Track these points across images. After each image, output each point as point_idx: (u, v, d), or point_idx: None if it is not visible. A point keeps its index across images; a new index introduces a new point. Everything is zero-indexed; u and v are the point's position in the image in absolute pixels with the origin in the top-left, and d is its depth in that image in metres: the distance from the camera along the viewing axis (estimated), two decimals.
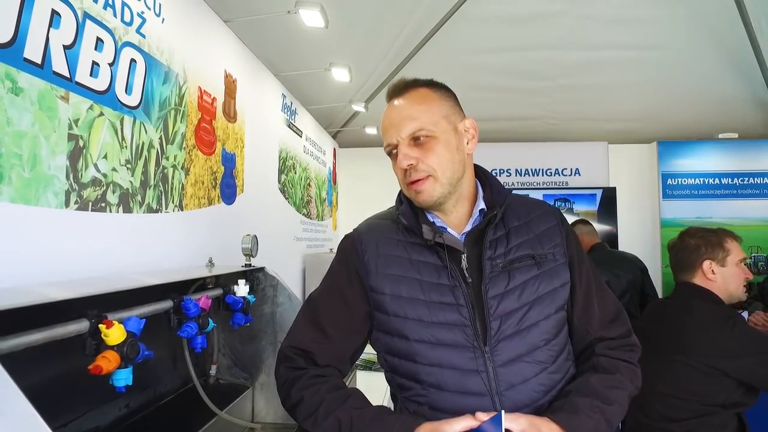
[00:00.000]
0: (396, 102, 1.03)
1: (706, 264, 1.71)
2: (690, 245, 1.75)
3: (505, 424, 0.79)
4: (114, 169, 1.63)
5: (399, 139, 1.00)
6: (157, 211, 1.89)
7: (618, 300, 1.11)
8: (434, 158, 0.99)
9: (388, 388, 1.09)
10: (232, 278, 1.58)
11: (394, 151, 1.02)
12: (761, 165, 5.27)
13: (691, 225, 5.33)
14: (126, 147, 1.70)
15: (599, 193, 5.38)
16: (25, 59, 1.26)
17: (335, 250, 1.14)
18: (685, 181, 5.35)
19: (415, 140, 0.99)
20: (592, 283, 1.06)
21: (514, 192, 1.12)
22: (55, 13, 1.36)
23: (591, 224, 3.57)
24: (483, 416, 0.84)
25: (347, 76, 3.44)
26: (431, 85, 1.05)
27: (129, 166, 1.72)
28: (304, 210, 4.15)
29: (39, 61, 1.30)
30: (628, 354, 1.03)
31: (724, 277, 1.70)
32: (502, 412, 0.81)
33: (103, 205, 1.58)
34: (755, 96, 4.37)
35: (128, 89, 1.71)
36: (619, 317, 1.07)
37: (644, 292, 3.32)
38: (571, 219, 4.37)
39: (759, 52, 3.72)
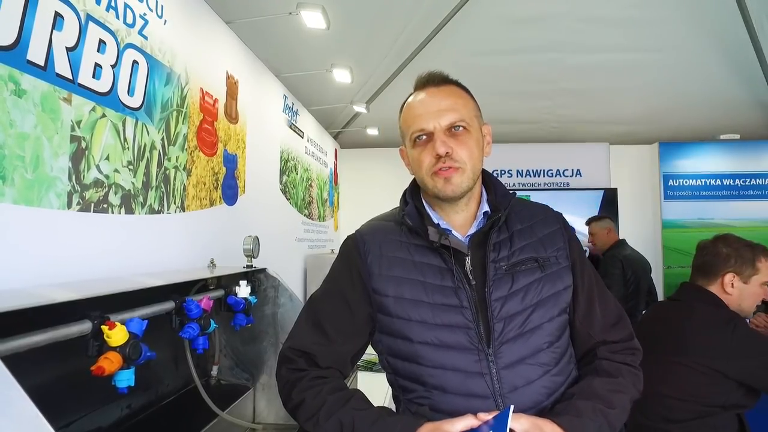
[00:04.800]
0: (433, 91, 1.04)
1: (728, 277, 1.67)
2: (721, 253, 1.70)
3: (509, 424, 0.79)
4: (116, 171, 1.64)
5: (437, 126, 1.00)
6: (159, 212, 1.90)
7: (619, 304, 1.10)
8: (466, 151, 1.00)
9: (390, 389, 1.09)
10: (233, 279, 1.58)
11: (424, 137, 1.02)
12: (762, 166, 5.27)
13: (692, 226, 5.37)
14: (128, 148, 1.71)
15: (600, 194, 5.38)
16: (28, 61, 1.26)
17: (336, 251, 1.14)
18: (686, 182, 5.35)
19: (451, 131, 1.00)
20: (594, 286, 1.07)
21: (517, 194, 1.12)
22: (58, 16, 1.37)
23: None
24: (484, 416, 0.84)
25: (348, 77, 3.45)
26: (462, 86, 1.08)
27: (131, 167, 1.72)
28: (306, 211, 4.16)
29: (42, 63, 1.31)
30: (630, 358, 1.02)
31: (741, 294, 1.67)
32: (511, 407, 0.80)
33: (105, 206, 1.58)
34: (756, 97, 4.37)
35: (130, 91, 1.71)
36: (621, 321, 1.07)
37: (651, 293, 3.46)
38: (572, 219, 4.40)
39: (760, 52, 3.72)
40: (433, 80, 1.05)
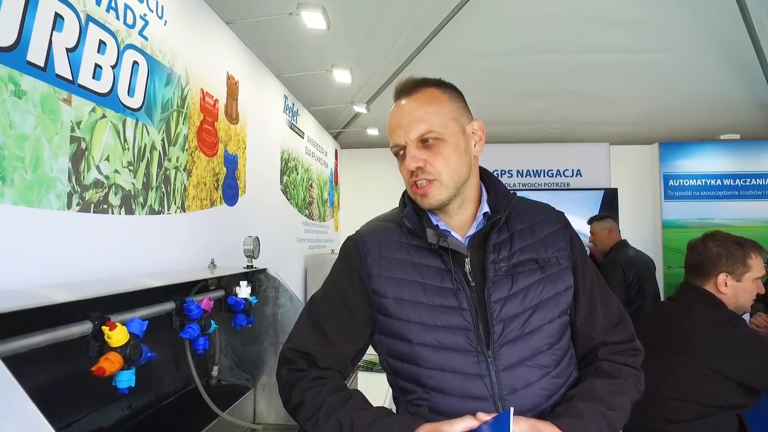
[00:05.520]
0: (404, 102, 1.02)
1: (721, 277, 1.67)
2: (711, 253, 1.70)
3: (512, 427, 0.79)
4: (116, 171, 1.64)
5: (407, 141, 0.99)
6: (159, 212, 1.90)
7: (621, 305, 1.10)
8: (441, 161, 0.98)
9: (390, 390, 1.09)
10: (233, 280, 1.58)
11: (401, 151, 1.01)
12: (763, 166, 5.27)
13: (692, 226, 5.34)
14: (128, 149, 1.71)
15: (601, 194, 5.38)
16: (28, 62, 1.27)
17: (337, 251, 1.13)
18: (686, 182, 5.35)
19: (423, 142, 0.98)
20: (596, 287, 1.06)
21: (517, 194, 1.12)
22: (58, 16, 1.37)
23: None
24: (484, 416, 0.84)
25: (349, 78, 3.45)
26: (440, 85, 1.04)
27: (131, 167, 1.72)
28: (306, 211, 4.16)
29: (42, 64, 1.31)
30: (632, 359, 1.02)
31: (735, 292, 1.68)
32: (511, 409, 0.80)
33: (105, 206, 1.58)
34: (757, 97, 4.37)
35: (131, 91, 1.71)
36: (622, 322, 1.06)
37: (655, 293, 3.39)
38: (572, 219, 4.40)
39: (761, 53, 3.72)
40: (405, 89, 1.03)
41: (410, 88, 1.02)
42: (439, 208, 1.03)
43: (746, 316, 2.24)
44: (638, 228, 5.39)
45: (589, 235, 3.75)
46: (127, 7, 1.70)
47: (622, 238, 3.59)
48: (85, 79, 1.48)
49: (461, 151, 1.01)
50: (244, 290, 1.55)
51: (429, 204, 1.01)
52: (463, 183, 1.02)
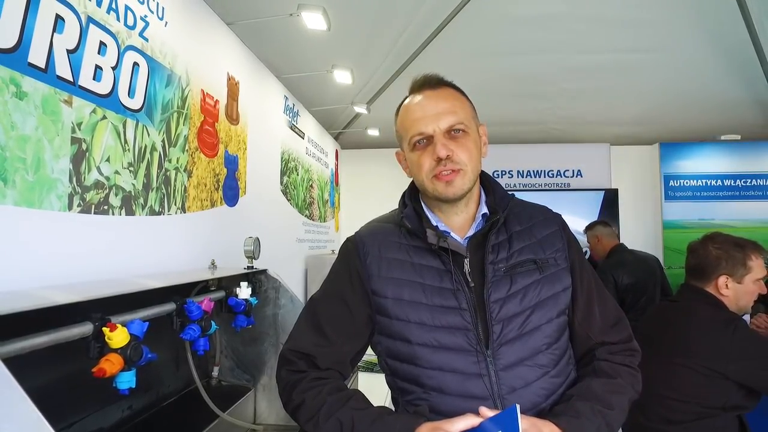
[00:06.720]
0: (430, 93, 1.04)
1: (722, 280, 1.67)
2: (711, 256, 1.69)
3: (520, 425, 0.77)
4: (117, 172, 1.64)
5: (437, 129, 1.00)
6: (159, 213, 1.90)
7: (619, 305, 1.10)
8: (466, 153, 1.01)
9: (390, 390, 1.09)
10: (234, 280, 1.59)
11: (424, 141, 1.02)
12: (763, 166, 5.27)
13: (693, 227, 5.28)
14: (129, 150, 1.71)
15: (601, 194, 5.38)
16: (29, 64, 1.27)
17: (337, 252, 1.14)
18: (687, 182, 5.35)
19: (450, 133, 1.01)
20: (593, 288, 1.07)
21: (516, 195, 1.13)
22: (59, 18, 1.37)
23: (611, 226, 3.54)
24: (488, 412, 0.84)
25: (349, 78, 3.45)
26: (457, 88, 1.09)
27: (132, 168, 1.73)
28: (306, 211, 4.16)
29: (43, 66, 1.31)
30: (629, 359, 1.03)
31: (736, 294, 1.67)
32: (517, 406, 0.79)
33: (105, 207, 1.59)
34: (757, 97, 4.37)
35: (131, 92, 1.72)
36: (620, 322, 1.07)
37: (664, 291, 3.31)
38: (573, 220, 4.38)
39: (761, 53, 3.72)
40: (430, 82, 1.05)
41: (436, 82, 1.06)
42: (457, 199, 1.03)
43: (746, 317, 2.24)
44: (639, 228, 5.40)
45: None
46: (127, 8, 1.70)
47: (619, 241, 3.45)
48: (85, 80, 1.48)
49: (479, 147, 1.05)
50: (244, 291, 1.55)
51: (453, 193, 1.01)
52: (477, 178, 1.05)
